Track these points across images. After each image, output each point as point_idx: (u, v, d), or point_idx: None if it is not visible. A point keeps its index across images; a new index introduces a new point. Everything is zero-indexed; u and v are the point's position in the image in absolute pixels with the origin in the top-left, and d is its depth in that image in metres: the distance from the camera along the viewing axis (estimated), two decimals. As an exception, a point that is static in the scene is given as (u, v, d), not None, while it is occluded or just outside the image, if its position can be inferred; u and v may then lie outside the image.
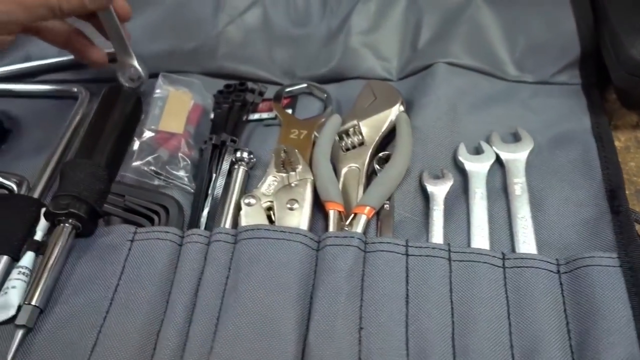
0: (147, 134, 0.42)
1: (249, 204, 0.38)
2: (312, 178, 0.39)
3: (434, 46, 0.48)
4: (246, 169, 0.41)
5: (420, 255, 0.35)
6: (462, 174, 0.41)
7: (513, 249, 0.37)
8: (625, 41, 0.41)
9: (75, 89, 0.49)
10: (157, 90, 0.45)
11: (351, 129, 0.43)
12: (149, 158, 0.40)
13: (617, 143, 0.43)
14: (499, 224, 0.38)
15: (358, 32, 0.49)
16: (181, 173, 0.41)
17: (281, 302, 0.33)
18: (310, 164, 0.40)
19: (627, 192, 0.40)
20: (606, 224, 0.37)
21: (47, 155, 0.45)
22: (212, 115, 0.46)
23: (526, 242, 0.37)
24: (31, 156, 0.45)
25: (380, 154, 0.41)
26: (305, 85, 0.48)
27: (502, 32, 0.48)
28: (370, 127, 0.42)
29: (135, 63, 0.46)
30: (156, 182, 0.41)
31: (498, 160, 0.41)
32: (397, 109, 0.43)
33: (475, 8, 0.48)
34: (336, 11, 0.50)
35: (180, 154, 0.41)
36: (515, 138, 0.43)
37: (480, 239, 0.37)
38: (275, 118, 0.46)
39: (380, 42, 0.49)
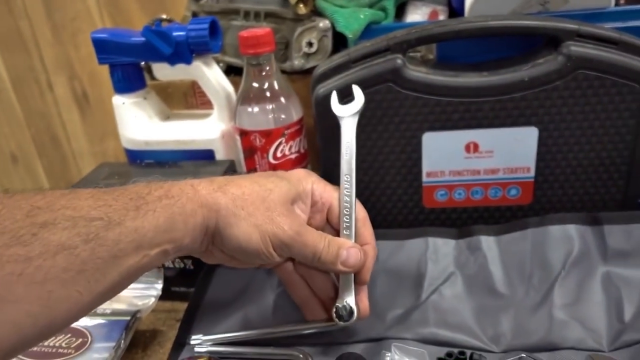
0: (400, 407, 0.44)
1: None
2: None
3: (642, 321, 0.51)
4: None
5: None
6: None
7: None
8: None
9: (300, 355, 0.54)
10: (393, 360, 0.49)
11: (592, 406, 0.44)
12: None
13: None
14: None
15: (562, 305, 0.54)
16: None
17: None
18: None
19: None
20: None
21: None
22: (438, 384, 0.49)
23: None
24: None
25: None
26: (523, 355, 0.51)
27: None
28: (613, 405, 0.44)
29: (352, 301, 0.51)
30: None
31: None
32: (634, 387, 0.45)
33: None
34: (537, 286, 0.56)
35: None
36: None
37: None
38: (501, 389, 0.48)
39: (586, 314, 0.53)
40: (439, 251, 0.61)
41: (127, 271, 0.38)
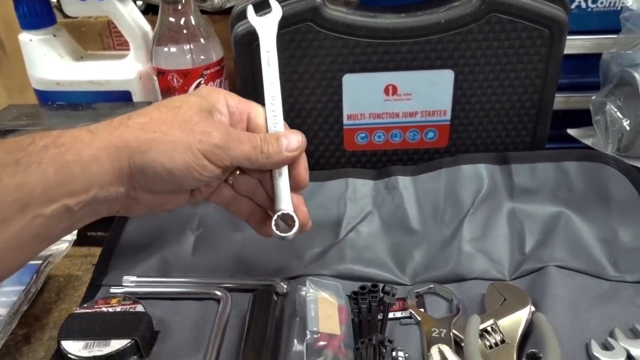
0: (311, 336, 0.46)
1: (422, 404, 0.41)
2: (472, 377, 0.43)
3: (541, 251, 0.55)
4: (403, 367, 0.45)
5: None
6: (599, 370, 0.45)
7: None
8: None
9: (218, 292, 0.54)
10: (307, 294, 0.50)
11: (490, 328, 0.47)
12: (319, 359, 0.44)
13: None
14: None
15: (470, 239, 0.57)
16: (343, 373, 0.44)
17: None
18: (463, 362, 0.44)
19: None
20: None
21: (199, 357, 0.48)
22: (351, 315, 0.51)
23: None
24: (182, 358, 0.48)
25: (528, 352, 0.45)
26: (432, 285, 0.53)
27: (596, 239, 0.55)
28: (508, 326, 0.47)
29: (291, 209, 0.47)
30: (322, 382, 0.44)
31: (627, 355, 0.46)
32: (529, 309, 0.48)
33: (566, 219, 0.57)
34: (448, 223, 0.59)
35: (340, 355, 0.45)
36: (635, 334, 0.48)
37: None
38: (410, 317, 0.51)
39: (491, 247, 0.56)
40: (358, 191, 0.63)
41: (17, 237, 0.33)
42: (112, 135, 0.38)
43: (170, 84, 0.63)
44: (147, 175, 0.39)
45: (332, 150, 0.67)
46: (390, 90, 0.63)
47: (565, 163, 0.60)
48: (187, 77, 0.63)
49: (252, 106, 0.47)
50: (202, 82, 0.64)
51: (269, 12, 0.51)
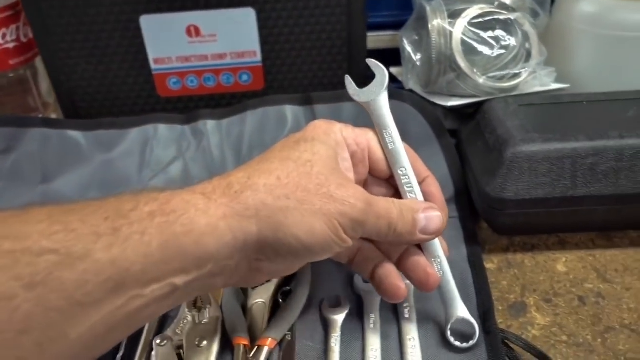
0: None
1: (160, 344, 0.41)
2: (221, 316, 0.43)
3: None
4: (160, 311, 0.44)
5: (321, 381, 0.39)
6: (360, 302, 0.46)
7: (404, 369, 0.41)
8: (481, 181, 0.49)
9: None
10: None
11: (258, 268, 0.47)
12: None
13: (491, 265, 0.50)
14: (391, 346, 0.43)
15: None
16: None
17: None
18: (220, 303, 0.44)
19: (501, 307, 0.46)
20: (480, 343, 0.42)
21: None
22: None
23: (415, 361, 0.41)
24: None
25: (284, 288, 0.45)
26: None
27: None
28: (275, 265, 0.47)
29: (468, 314, 0.41)
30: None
31: (389, 286, 0.47)
32: (297, 247, 0.48)
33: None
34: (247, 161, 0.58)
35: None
36: (404, 266, 0.49)
37: (375, 360, 0.41)
38: (190, 262, 0.50)
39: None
40: (165, 137, 0.61)
41: (105, 321, 0.27)
42: (233, 202, 0.32)
43: (-45, 30, 0.59)
44: (279, 252, 0.33)
45: (145, 97, 0.65)
46: (193, 31, 0.60)
47: (367, 101, 0.59)
48: (-28, 23, 0.59)
49: (369, 137, 0.42)
50: (-9, 28, 0.60)
51: (373, 79, 0.42)
